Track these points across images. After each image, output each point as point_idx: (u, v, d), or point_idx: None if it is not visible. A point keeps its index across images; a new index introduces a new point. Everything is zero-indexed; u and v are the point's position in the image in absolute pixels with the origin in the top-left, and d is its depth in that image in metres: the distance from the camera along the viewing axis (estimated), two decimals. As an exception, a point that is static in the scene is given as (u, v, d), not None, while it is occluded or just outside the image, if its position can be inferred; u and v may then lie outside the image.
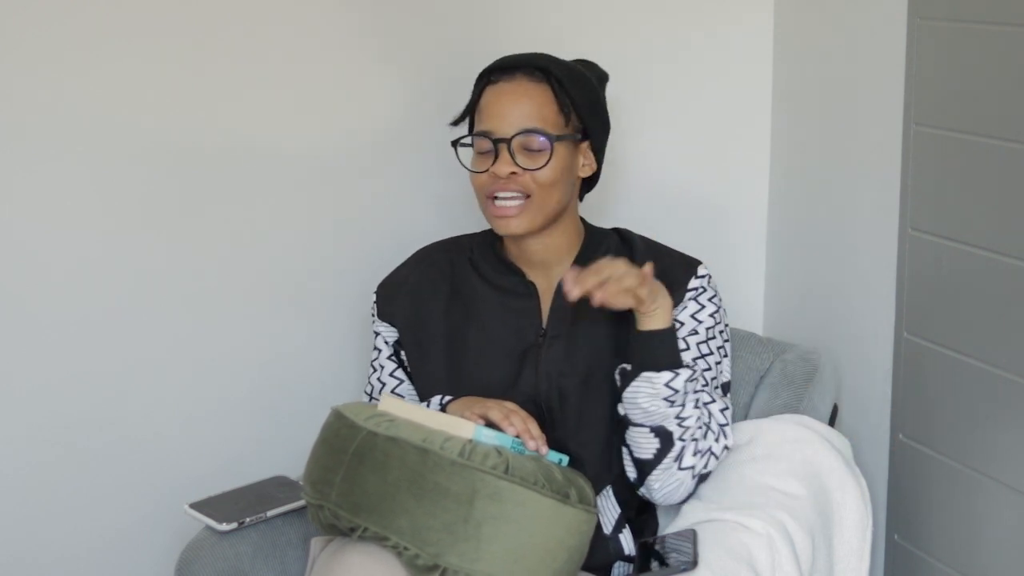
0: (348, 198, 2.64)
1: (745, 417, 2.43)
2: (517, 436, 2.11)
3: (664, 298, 2.18)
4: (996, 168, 2.13)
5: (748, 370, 2.46)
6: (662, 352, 2.17)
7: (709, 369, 2.26)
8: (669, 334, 2.18)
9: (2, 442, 2.47)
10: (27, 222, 2.44)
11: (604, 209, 2.66)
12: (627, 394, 2.18)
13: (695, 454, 2.21)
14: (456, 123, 2.31)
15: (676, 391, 2.16)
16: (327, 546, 2.15)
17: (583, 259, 2.29)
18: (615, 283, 2.11)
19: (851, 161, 2.50)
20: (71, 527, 2.53)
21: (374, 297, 2.38)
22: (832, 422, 2.45)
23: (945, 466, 2.28)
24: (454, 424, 2.08)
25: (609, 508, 2.28)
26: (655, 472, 2.21)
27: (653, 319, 2.17)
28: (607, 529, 2.27)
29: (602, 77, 2.36)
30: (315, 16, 2.56)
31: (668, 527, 2.30)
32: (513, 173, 2.21)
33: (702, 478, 2.25)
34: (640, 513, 2.32)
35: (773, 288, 2.77)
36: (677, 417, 2.18)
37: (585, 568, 2.19)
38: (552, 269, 2.31)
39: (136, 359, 2.54)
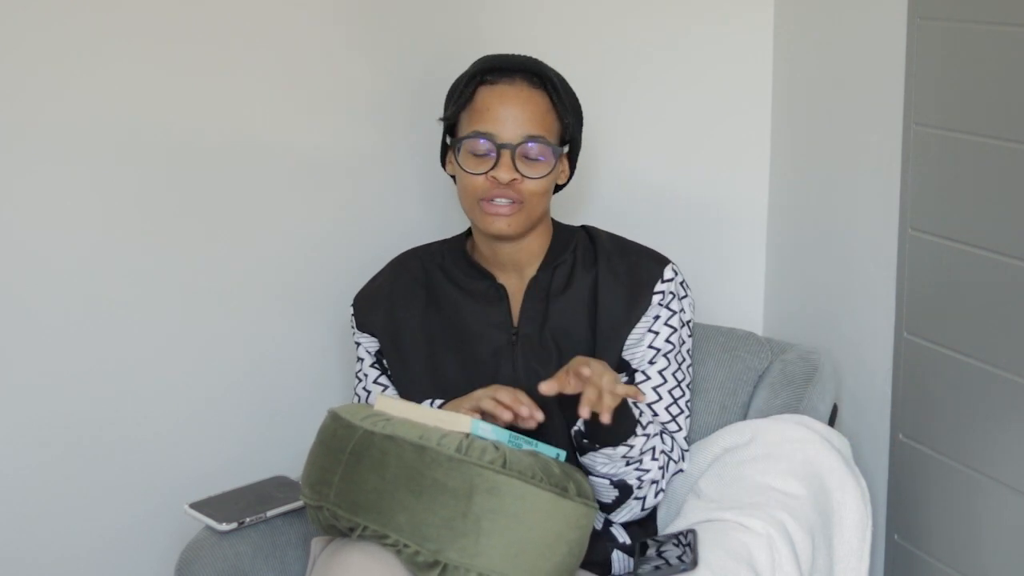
0: (347, 198, 2.64)
1: (745, 417, 2.43)
2: (512, 423, 2.10)
3: None
4: (996, 168, 2.13)
5: (748, 370, 2.46)
6: (617, 429, 2.16)
7: (685, 377, 2.29)
8: (621, 411, 2.14)
9: (2, 442, 2.47)
10: (26, 222, 2.44)
11: (604, 209, 2.67)
12: (584, 460, 2.20)
13: (657, 495, 2.25)
14: (446, 119, 2.29)
15: (633, 457, 2.18)
16: (327, 546, 2.15)
17: (551, 259, 2.31)
18: (609, 396, 2.06)
19: (851, 161, 2.50)
20: (71, 527, 2.53)
21: (351, 310, 2.38)
22: (832, 422, 2.45)
23: (945, 466, 2.28)
24: (451, 420, 2.08)
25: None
26: (615, 512, 2.25)
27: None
28: (598, 525, 2.28)
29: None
30: (306, 20, 2.56)
31: (668, 527, 2.30)
32: (514, 180, 2.22)
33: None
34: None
35: (773, 288, 2.77)
36: (637, 470, 2.20)
37: (584, 563, 2.20)
38: (523, 270, 2.32)
39: (136, 359, 2.54)
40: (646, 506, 2.25)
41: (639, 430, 2.18)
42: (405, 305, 2.35)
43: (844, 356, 2.52)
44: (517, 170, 2.21)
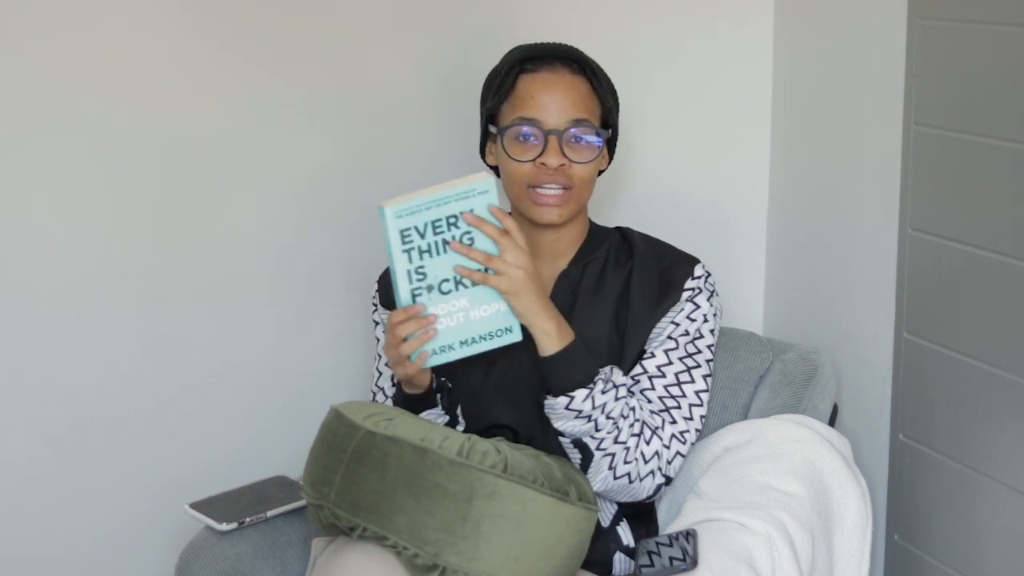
0: (351, 197, 2.64)
1: (745, 417, 2.43)
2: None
3: (545, 321, 2.14)
4: (996, 168, 2.13)
5: (748, 370, 2.46)
6: (556, 378, 2.15)
7: (698, 367, 2.26)
8: (559, 360, 2.15)
9: (3, 443, 2.47)
10: (28, 221, 2.44)
11: (605, 208, 2.67)
12: (546, 413, 2.19)
13: (628, 462, 2.19)
14: (488, 110, 2.27)
15: (579, 411, 2.15)
16: (328, 547, 2.15)
17: (584, 254, 2.31)
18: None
19: (851, 161, 2.50)
20: (71, 527, 2.53)
21: (375, 286, 2.38)
22: (832, 422, 2.45)
23: (945, 466, 2.28)
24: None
25: (607, 501, 2.27)
26: (588, 477, 2.20)
27: (542, 346, 2.15)
28: (605, 523, 2.27)
29: None
30: (318, 18, 2.56)
31: (668, 527, 2.30)
32: (562, 165, 2.22)
33: (665, 479, 2.24)
34: (640, 511, 2.32)
35: (773, 288, 2.77)
36: (595, 429, 2.17)
37: (586, 561, 2.19)
38: (556, 261, 2.32)
39: (136, 359, 2.54)
40: (618, 474, 2.19)
41: (591, 387, 2.15)
42: None
43: (844, 356, 2.52)
44: (565, 155, 2.22)
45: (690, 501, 2.29)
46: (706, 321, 2.29)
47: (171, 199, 2.52)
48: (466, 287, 2.10)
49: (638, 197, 2.73)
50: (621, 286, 2.30)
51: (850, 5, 2.49)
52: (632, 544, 2.28)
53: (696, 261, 2.32)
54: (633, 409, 2.20)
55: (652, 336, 2.28)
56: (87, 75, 2.43)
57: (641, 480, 2.22)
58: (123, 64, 2.44)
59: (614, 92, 2.31)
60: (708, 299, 2.29)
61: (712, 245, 2.71)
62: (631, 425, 2.20)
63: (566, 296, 2.30)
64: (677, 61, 2.71)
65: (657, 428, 2.22)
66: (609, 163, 2.34)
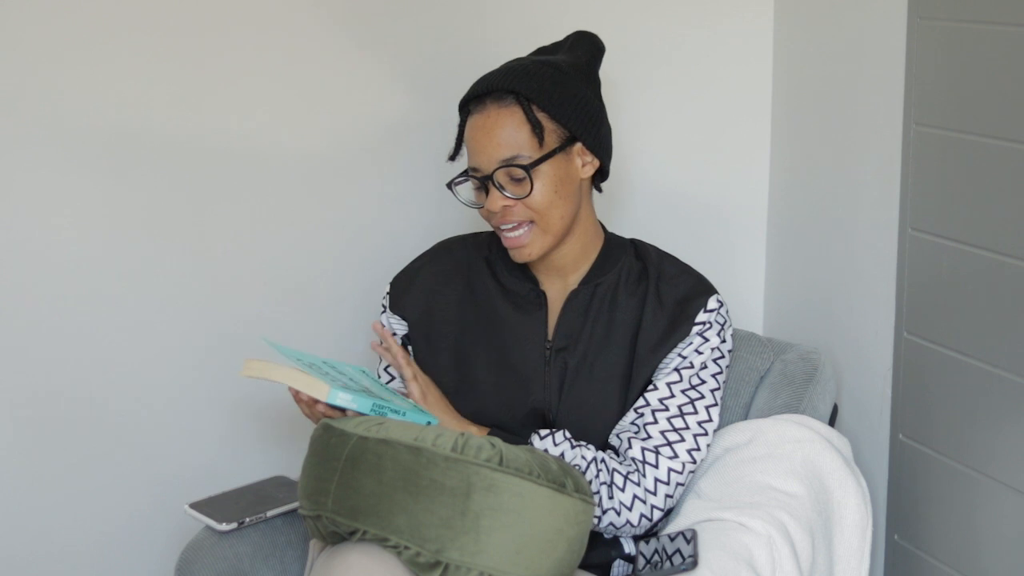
0: (352, 198, 2.64)
1: (745, 417, 2.43)
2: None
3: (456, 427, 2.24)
4: (996, 168, 2.13)
5: (748, 370, 2.46)
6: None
7: (702, 398, 2.27)
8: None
9: (2, 443, 2.47)
10: (29, 221, 2.44)
11: (605, 210, 2.66)
12: None
13: (605, 510, 2.22)
14: (452, 158, 2.31)
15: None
16: (326, 547, 2.14)
17: (595, 274, 2.30)
18: None
19: (851, 161, 2.50)
20: (71, 527, 2.53)
21: (387, 288, 2.38)
22: (832, 422, 2.45)
23: (945, 466, 2.29)
24: (309, 384, 2.09)
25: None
26: None
27: None
28: (607, 534, 2.27)
29: (594, 53, 2.32)
30: (316, 17, 2.56)
31: (668, 527, 2.30)
32: (506, 206, 2.22)
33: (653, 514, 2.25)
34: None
35: (773, 288, 2.77)
36: None
37: (584, 567, 2.19)
38: (567, 277, 2.31)
39: (137, 358, 2.54)
40: (603, 524, 2.22)
41: (530, 444, 2.21)
42: (442, 291, 2.34)
43: (844, 356, 2.52)
44: (505, 195, 2.21)
45: (690, 501, 2.29)
46: (715, 353, 2.28)
47: (176, 201, 2.52)
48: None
49: (637, 198, 2.73)
50: (633, 312, 2.29)
51: (850, 5, 2.49)
52: (632, 552, 2.28)
53: (712, 292, 2.31)
54: (595, 460, 2.22)
55: (660, 367, 2.28)
56: (83, 72, 2.43)
57: (634, 526, 2.24)
58: (127, 64, 2.45)
59: (569, 97, 2.23)
60: (719, 332, 2.29)
61: (712, 245, 2.72)
62: (596, 475, 2.22)
63: (576, 317, 2.29)
64: (677, 61, 2.71)
65: (630, 473, 2.22)
66: (603, 164, 2.28)
